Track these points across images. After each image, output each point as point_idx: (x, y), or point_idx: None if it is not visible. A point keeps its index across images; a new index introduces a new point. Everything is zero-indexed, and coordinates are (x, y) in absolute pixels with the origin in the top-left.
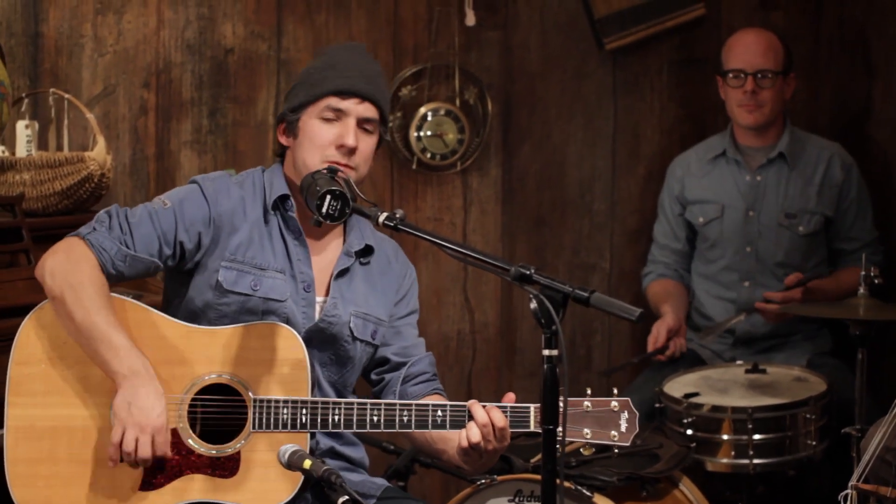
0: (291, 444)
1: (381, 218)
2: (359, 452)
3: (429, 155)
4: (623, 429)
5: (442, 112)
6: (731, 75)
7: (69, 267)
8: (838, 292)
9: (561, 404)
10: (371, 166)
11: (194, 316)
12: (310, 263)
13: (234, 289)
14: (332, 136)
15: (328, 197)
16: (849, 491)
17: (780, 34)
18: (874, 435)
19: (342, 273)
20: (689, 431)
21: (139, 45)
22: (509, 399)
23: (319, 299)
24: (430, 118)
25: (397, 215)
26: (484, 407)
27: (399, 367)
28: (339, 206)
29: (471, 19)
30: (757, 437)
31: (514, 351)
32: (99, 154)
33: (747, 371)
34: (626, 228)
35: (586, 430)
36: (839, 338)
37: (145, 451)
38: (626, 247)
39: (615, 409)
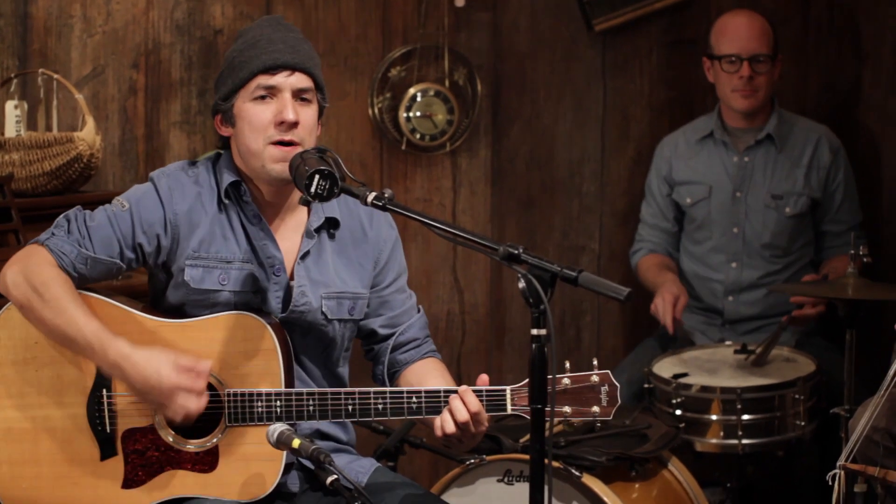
0: (280, 423)
1: (370, 197)
2: (346, 433)
3: (418, 136)
4: (604, 402)
5: (431, 93)
6: (724, 60)
7: (30, 272)
8: None
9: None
10: (360, 145)
11: (175, 311)
12: (275, 245)
13: (201, 286)
14: (269, 116)
15: (317, 177)
16: (837, 471)
17: (768, 16)
18: (862, 415)
19: (305, 255)
20: (678, 412)
21: (128, 26)
22: (482, 381)
23: (292, 282)
24: (419, 99)
25: (386, 195)
26: (457, 391)
27: (388, 338)
28: (327, 186)
29: (460, 0)
30: (746, 417)
31: (503, 331)
32: (88, 134)
33: (736, 351)
34: (615, 210)
35: (566, 408)
36: (827, 318)
37: (191, 403)
38: (615, 228)
39: (595, 383)
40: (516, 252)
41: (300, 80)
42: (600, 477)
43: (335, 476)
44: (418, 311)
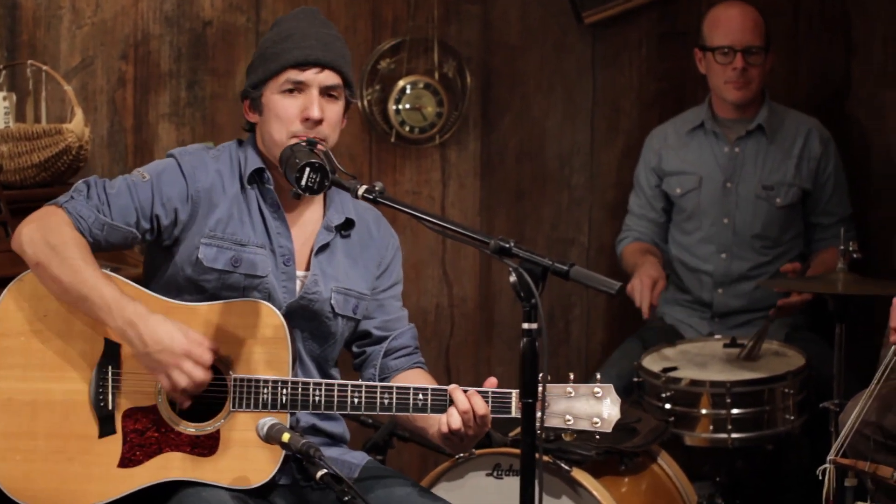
0: (270, 417)
1: (361, 190)
2: (339, 427)
3: (407, 128)
4: (605, 415)
5: (421, 85)
6: (718, 52)
7: (47, 231)
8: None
9: (540, 377)
10: (349, 138)
11: (174, 291)
12: (289, 236)
13: (214, 265)
14: (295, 110)
15: (307, 169)
16: (827, 465)
17: (760, 9)
18: (852, 409)
19: (322, 248)
20: (668, 406)
21: (117, 17)
22: (491, 384)
23: (300, 273)
24: (408, 91)
25: (376, 188)
26: (465, 392)
27: (381, 341)
28: (318, 179)
29: None
30: (735, 411)
31: (492, 325)
32: (77, 126)
33: (726, 346)
34: (604, 202)
35: (568, 417)
36: (817, 312)
37: (197, 375)
38: (604, 221)
39: (598, 395)
40: (507, 245)
41: (329, 78)
42: (590, 471)
43: (325, 470)
44: (410, 324)
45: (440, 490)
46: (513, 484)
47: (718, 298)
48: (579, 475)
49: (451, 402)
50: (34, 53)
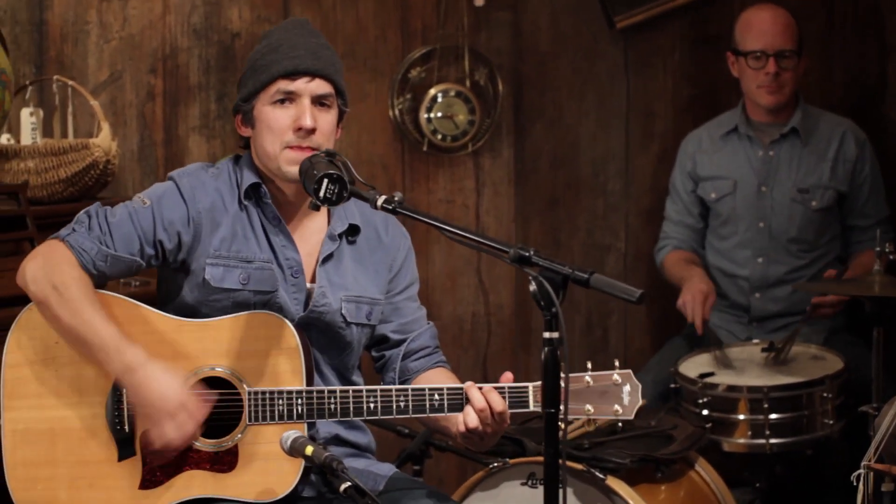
0: (294, 430)
1: (380, 201)
2: (365, 437)
3: (439, 136)
4: (626, 402)
5: (452, 93)
6: (750, 57)
7: (50, 269)
8: None
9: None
10: (382, 147)
11: (189, 312)
12: (295, 248)
13: (222, 285)
14: (288, 120)
15: (325, 180)
16: (861, 471)
17: (792, 12)
18: (888, 413)
19: (328, 258)
20: (705, 412)
21: (145, 31)
22: (507, 379)
23: (310, 285)
24: (440, 99)
25: (395, 198)
26: (481, 389)
27: (399, 344)
28: (336, 190)
29: (479, 0)
30: (773, 416)
31: (529, 332)
32: (104, 140)
33: (763, 350)
34: (640, 208)
35: (588, 406)
36: (856, 314)
37: (188, 428)
38: (641, 227)
39: (617, 383)
40: (527, 254)
41: (320, 87)
42: (625, 479)
43: (349, 483)
44: (428, 323)
45: (474, 500)
46: None
47: (756, 303)
48: (614, 483)
49: (468, 401)
50: (62, 69)
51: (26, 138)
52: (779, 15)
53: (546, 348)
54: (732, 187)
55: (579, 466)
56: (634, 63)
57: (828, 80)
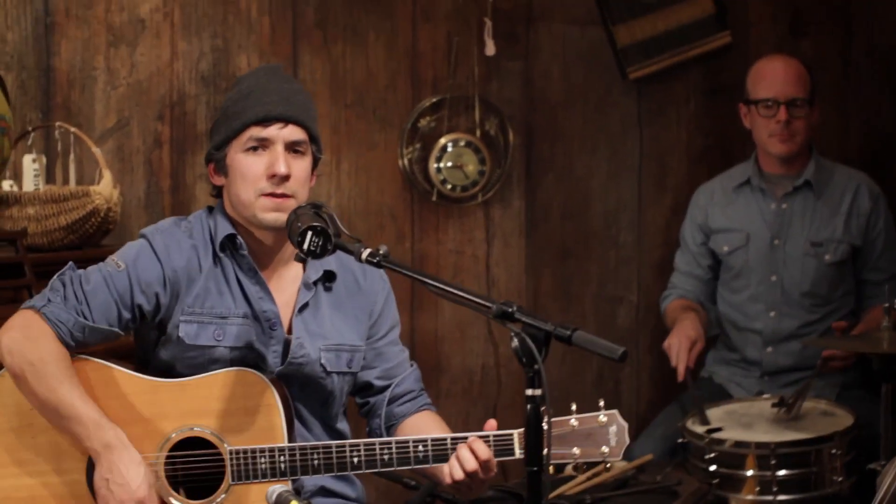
0: (280, 485)
1: (365, 254)
2: (353, 488)
3: (449, 186)
4: (613, 443)
5: (462, 143)
6: (761, 105)
7: (27, 344)
8: None
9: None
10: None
11: (166, 368)
12: (271, 299)
13: (196, 342)
14: (261, 168)
15: (309, 233)
16: None
17: (806, 61)
18: (889, 472)
19: (304, 307)
20: (713, 467)
21: (152, 78)
22: (491, 427)
23: (288, 335)
24: (449, 149)
25: (380, 251)
26: (466, 438)
27: (384, 390)
28: (320, 243)
29: (490, 49)
30: (781, 472)
31: None
32: (105, 188)
33: (774, 405)
34: (653, 260)
35: (575, 449)
36: (868, 369)
37: None
38: (653, 279)
39: (603, 424)
40: (510, 310)
41: (293, 133)
42: None
43: None
44: (412, 365)
45: None
46: None
47: (767, 357)
48: None
49: (453, 451)
50: (69, 115)
51: (29, 185)
52: (791, 64)
53: (529, 405)
54: (745, 240)
55: None
56: (647, 113)
57: (844, 131)
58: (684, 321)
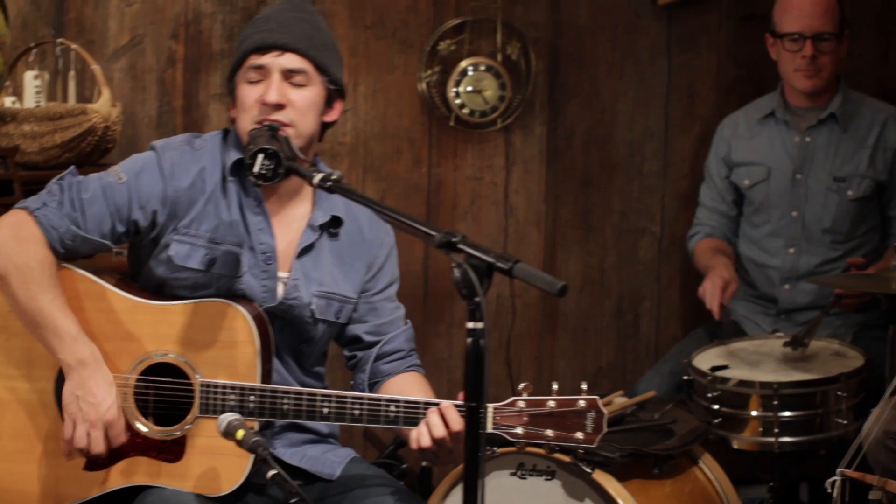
0: (232, 413)
1: (316, 179)
2: (329, 426)
3: (467, 111)
4: (589, 429)
5: (482, 67)
6: (787, 39)
7: (15, 246)
8: None
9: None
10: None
11: (156, 285)
12: (271, 233)
13: (185, 264)
14: (255, 96)
15: (260, 156)
16: (836, 478)
17: None
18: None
19: (306, 250)
20: (715, 406)
21: None
22: (462, 398)
23: (283, 274)
24: (469, 73)
25: (333, 176)
26: (438, 406)
27: (372, 346)
28: (271, 166)
29: None
30: (784, 414)
31: (556, 316)
32: (103, 106)
33: (785, 344)
34: (678, 191)
35: (549, 431)
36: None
37: (98, 447)
38: (678, 211)
39: (581, 408)
40: (453, 240)
41: (290, 61)
42: (615, 474)
43: (275, 471)
44: (405, 324)
45: (461, 490)
46: (537, 484)
47: (784, 294)
48: (601, 478)
49: (424, 419)
50: (82, 32)
51: (30, 102)
52: None
53: (469, 339)
54: (766, 174)
55: (566, 459)
56: (677, 40)
57: (883, 61)
58: (717, 266)
